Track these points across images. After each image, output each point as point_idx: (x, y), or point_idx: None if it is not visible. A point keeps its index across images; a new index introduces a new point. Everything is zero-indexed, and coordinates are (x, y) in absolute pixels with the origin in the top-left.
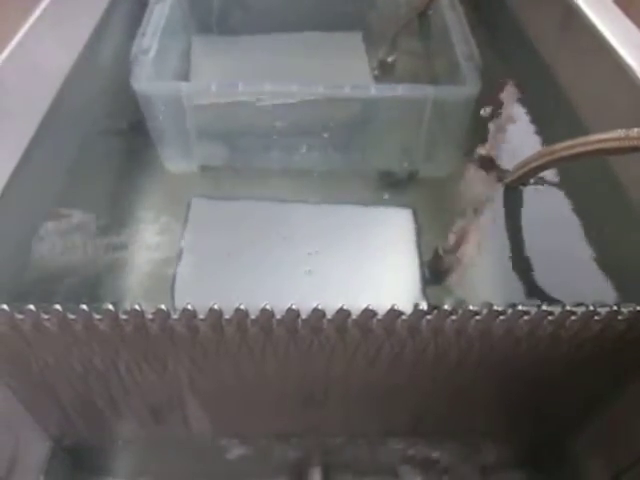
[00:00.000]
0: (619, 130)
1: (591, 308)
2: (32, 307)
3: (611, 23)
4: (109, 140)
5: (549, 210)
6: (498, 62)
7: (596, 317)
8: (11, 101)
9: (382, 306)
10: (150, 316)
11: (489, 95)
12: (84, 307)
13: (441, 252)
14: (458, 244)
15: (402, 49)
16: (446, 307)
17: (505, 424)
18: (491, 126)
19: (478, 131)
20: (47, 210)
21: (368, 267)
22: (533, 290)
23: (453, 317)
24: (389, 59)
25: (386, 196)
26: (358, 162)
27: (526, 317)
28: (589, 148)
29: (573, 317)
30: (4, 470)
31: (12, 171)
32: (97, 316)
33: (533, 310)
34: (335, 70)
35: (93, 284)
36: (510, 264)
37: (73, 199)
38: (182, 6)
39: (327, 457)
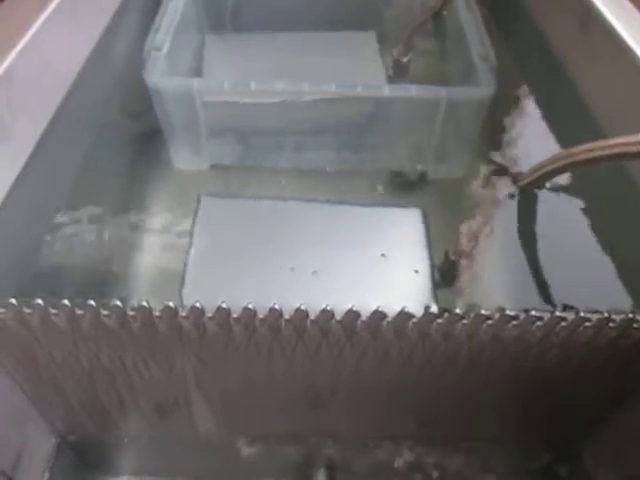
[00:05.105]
0: (638, 134)
1: (605, 315)
2: (40, 302)
3: (629, 24)
4: (120, 136)
5: (564, 214)
6: (514, 63)
7: (610, 324)
8: (24, 95)
9: (392, 308)
10: (158, 313)
11: (504, 97)
12: (92, 303)
13: (452, 255)
14: (470, 247)
15: (416, 49)
16: (457, 311)
17: (514, 430)
18: (505, 128)
19: (492, 133)
20: (56, 205)
21: (378, 267)
22: (546, 295)
23: (464, 321)
24: (403, 59)
25: (397, 197)
26: (369, 162)
27: (539, 323)
28: (607, 152)
29: (587, 324)
30: (10, 465)
31: (23, 165)
32: (105, 312)
33: (546, 316)
34: (348, 69)
35: (101, 280)
36: (523, 268)
37: (83, 194)
38: (196, 3)
39: (332, 459)
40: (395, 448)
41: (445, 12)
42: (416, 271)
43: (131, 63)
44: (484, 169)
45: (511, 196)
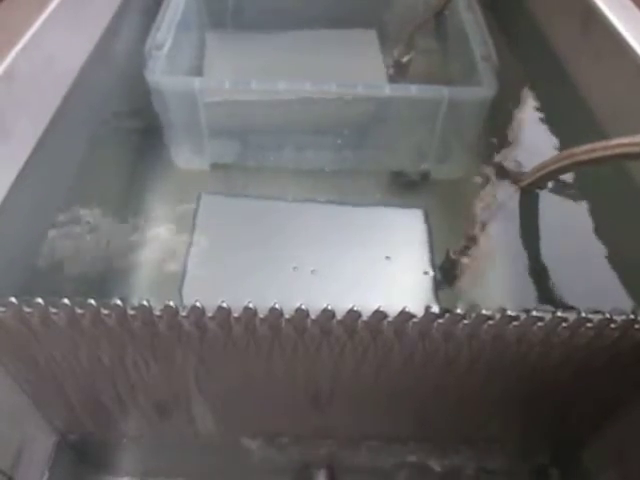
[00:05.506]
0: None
1: (607, 315)
2: (40, 301)
3: (630, 24)
4: (121, 135)
5: (565, 214)
6: (515, 63)
7: (612, 325)
8: (24, 95)
9: (393, 308)
10: (158, 312)
11: (506, 97)
12: (92, 302)
13: (453, 255)
14: (471, 247)
15: (418, 48)
16: (458, 311)
17: (514, 431)
18: (507, 128)
19: (494, 133)
20: (56, 204)
21: (379, 267)
22: (547, 295)
23: (465, 321)
24: (404, 58)
25: (398, 197)
26: (370, 162)
27: (540, 323)
28: (609, 153)
29: (588, 324)
30: (9, 464)
31: (23, 165)
32: (105, 311)
33: (547, 316)
34: (349, 68)
35: (101, 280)
36: (524, 268)
37: (83, 194)
38: (197, 1)
39: (332, 459)
40: (395, 448)
41: (446, 12)
42: (418, 271)
43: (132, 62)
44: (485, 169)
45: (512, 196)
